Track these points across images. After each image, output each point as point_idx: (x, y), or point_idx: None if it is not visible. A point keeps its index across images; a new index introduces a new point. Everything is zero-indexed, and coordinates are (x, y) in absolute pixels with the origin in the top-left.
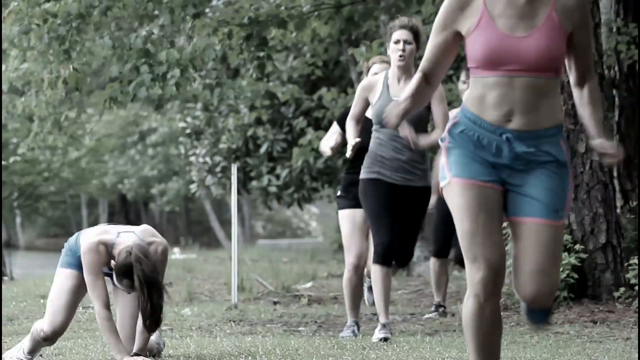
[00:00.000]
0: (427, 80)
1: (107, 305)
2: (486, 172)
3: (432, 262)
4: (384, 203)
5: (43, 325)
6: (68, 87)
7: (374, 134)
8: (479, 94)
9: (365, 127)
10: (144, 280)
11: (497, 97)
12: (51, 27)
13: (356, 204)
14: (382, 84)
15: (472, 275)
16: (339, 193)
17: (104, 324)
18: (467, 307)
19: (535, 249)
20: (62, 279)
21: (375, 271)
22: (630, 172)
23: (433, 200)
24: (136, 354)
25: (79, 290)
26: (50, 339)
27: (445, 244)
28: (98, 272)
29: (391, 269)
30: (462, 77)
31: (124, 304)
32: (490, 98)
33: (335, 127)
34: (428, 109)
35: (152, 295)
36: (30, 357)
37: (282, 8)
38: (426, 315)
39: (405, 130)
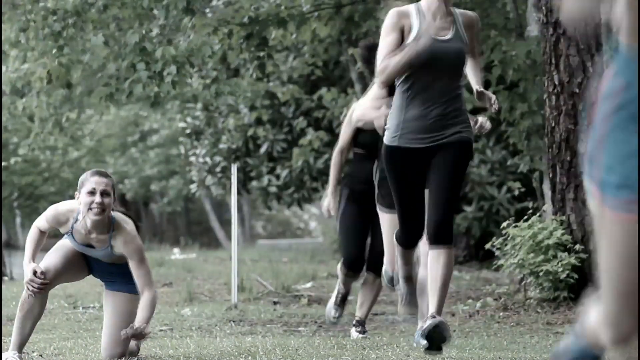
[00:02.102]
0: None
1: (43, 230)
2: None
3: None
4: (410, 180)
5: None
6: (50, 80)
7: (402, 82)
8: None
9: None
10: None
11: None
12: (47, 23)
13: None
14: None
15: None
16: (377, 192)
17: (33, 231)
18: None
19: None
20: (62, 241)
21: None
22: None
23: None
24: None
25: (77, 255)
26: (43, 280)
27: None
28: (51, 222)
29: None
30: None
31: (113, 306)
32: None
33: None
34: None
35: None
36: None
37: (282, 8)
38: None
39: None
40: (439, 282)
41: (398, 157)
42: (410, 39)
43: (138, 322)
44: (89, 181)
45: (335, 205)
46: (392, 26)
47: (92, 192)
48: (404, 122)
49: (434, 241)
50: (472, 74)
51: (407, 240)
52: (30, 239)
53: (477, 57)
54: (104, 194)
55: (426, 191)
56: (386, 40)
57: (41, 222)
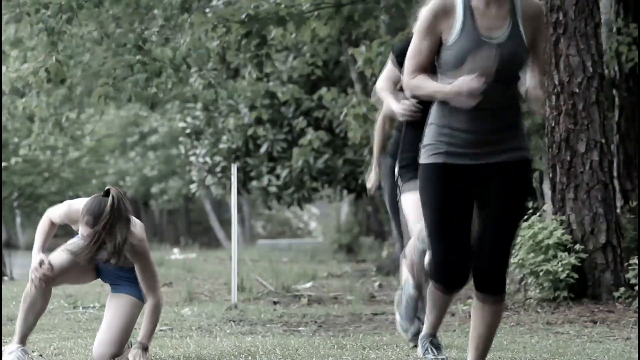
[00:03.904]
0: None
1: (55, 222)
2: None
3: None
4: (449, 210)
5: None
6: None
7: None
8: None
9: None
10: (116, 206)
11: None
12: (41, 18)
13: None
14: (462, 11)
15: None
16: (397, 171)
17: (44, 221)
18: None
19: None
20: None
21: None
22: (630, 172)
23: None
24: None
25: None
26: (46, 272)
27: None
28: (62, 217)
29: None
30: None
31: (116, 308)
32: None
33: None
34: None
35: (119, 223)
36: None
37: (282, 6)
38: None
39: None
40: (483, 338)
41: (441, 176)
42: (450, 41)
43: (141, 337)
44: (83, 221)
45: (377, 179)
46: (428, 29)
47: (83, 235)
48: (449, 136)
49: (485, 290)
50: (529, 76)
51: (447, 284)
52: (40, 229)
53: (540, 58)
54: (93, 238)
55: (475, 220)
56: (418, 45)
57: (54, 214)
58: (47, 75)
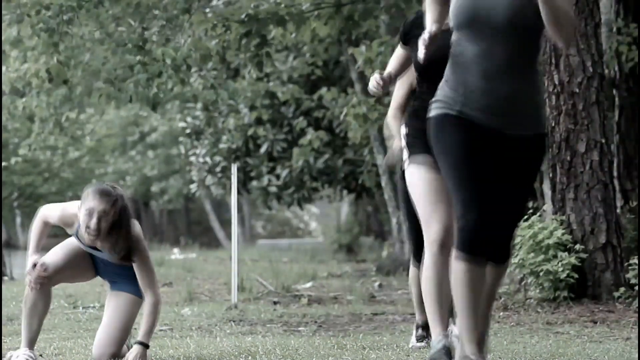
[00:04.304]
0: None
1: (49, 222)
2: None
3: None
4: (469, 154)
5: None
6: (52, 79)
7: (453, 45)
8: None
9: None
10: (120, 209)
11: None
12: (42, 19)
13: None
14: None
15: None
16: (405, 141)
17: (38, 222)
18: None
19: None
20: (69, 239)
21: (454, 265)
22: (630, 172)
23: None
24: (139, 343)
25: (83, 254)
26: (41, 274)
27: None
28: (55, 217)
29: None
30: None
31: (114, 306)
32: None
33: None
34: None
35: (122, 222)
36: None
37: (282, 6)
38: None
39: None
40: (484, 299)
41: (457, 123)
42: None
43: (141, 335)
44: (89, 200)
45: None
46: None
47: (89, 214)
48: (464, 95)
49: (490, 259)
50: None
51: (472, 243)
52: (35, 230)
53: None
54: (101, 218)
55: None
56: None
57: (49, 213)
58: (48, 76)
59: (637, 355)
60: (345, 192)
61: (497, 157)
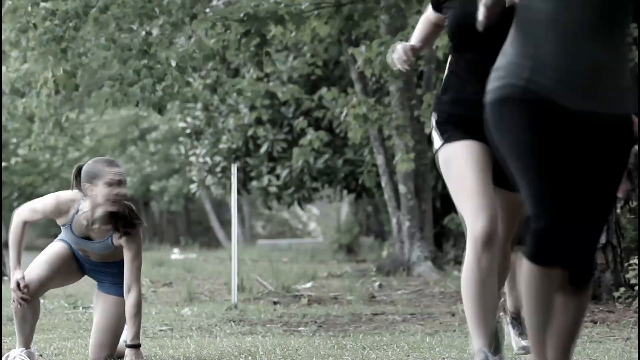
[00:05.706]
0: None
1: (30, 222)
2: None
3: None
4: (542, 142)
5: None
6: (60, 88)
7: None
8: None
9: None
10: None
11: None
12: (48, 27)
13: (474, 136)
14: None
15: None
16: (435, 121)
17: (17, 228)
18: None
19: None
20: (52, 244)
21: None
22: (630, 172)
23: None
24: (130, 346)
25: (67, 260)
26: (23, 295)
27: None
28: (41, 211)
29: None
30: None
31: (102, 310)
32: None
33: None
34: None
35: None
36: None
37: (282, 6)
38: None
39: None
40: (567, 332)
41: (531, 105)
42: None
43: (130, 338)
44: (106, 172)
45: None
46: None
47: (111, 183)
48: (534, 62)
49: (571, 282)
50: None
51: (543, 247)
52: (14, 238)
53: None
54: (121, 183)
55: None
56: None
57: (29, 212)
58: (55, 87)
59: (637, 355)
60: (345, 192)
61: (576, 143)
